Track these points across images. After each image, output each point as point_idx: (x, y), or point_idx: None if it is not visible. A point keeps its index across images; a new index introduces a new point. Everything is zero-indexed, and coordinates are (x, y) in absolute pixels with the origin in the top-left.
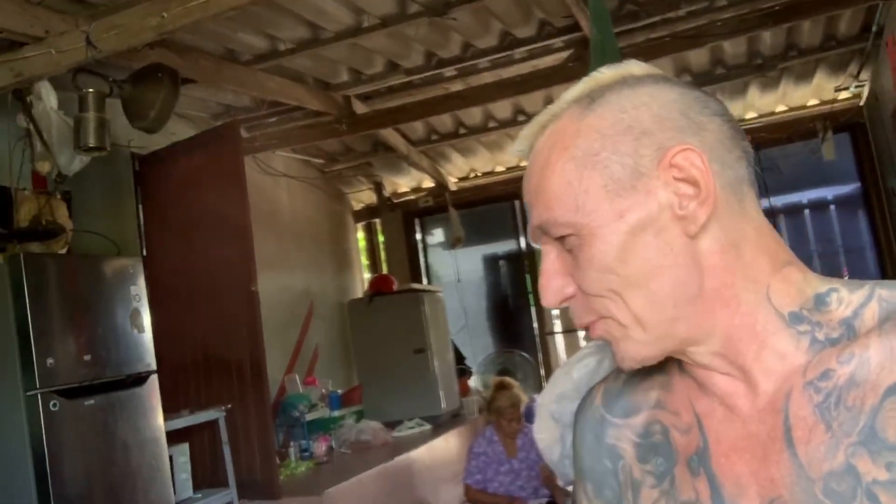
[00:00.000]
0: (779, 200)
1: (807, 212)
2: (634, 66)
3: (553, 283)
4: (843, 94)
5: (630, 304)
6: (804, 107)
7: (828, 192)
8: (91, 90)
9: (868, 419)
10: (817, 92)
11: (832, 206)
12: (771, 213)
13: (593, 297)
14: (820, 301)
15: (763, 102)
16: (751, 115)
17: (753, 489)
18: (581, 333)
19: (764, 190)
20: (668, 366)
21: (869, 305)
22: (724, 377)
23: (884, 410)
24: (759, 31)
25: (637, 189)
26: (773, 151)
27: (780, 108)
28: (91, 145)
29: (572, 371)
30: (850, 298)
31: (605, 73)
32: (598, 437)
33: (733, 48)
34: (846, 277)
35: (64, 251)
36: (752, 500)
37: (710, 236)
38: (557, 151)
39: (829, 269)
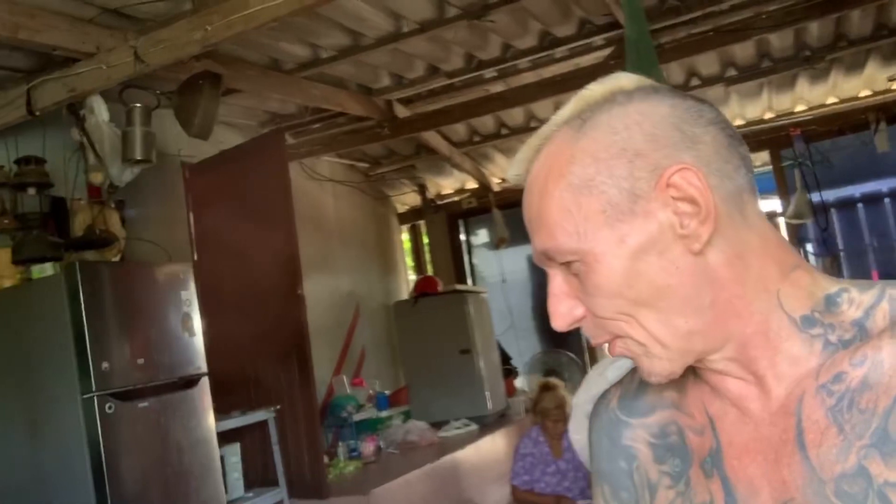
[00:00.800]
0: (831, 195)
1: (860, 205)
2: (624, 79)
3: (562, 307)
4: None
5: (644, 324)
6: (855, 98)
7: (882, 185)
8: (138, 105)
9: (881, 421)
10: (869, 82)
11: (887, 199)
12: (823, 208)
13: (606, 320)
14: (831, 302)
15: (812, 95)
16: (800, 107)
17: (766, 491)
18: None
19: (815, 184)
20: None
21: (880, 306)
22: (737, 381)
23: None
24: (805, 23)
25: (636, 212)
26: (824, 144)
27: (831, 99)
28: (138, 158)
29: (606, 372)
30: (860, 299)
31: (594, 91)
32: (613, 439)
33: (780, 41)
34: None
35: (117, 259)
36: (765, 502)
37: (715, 250)
38: (554, 179)
39: (885, 264)
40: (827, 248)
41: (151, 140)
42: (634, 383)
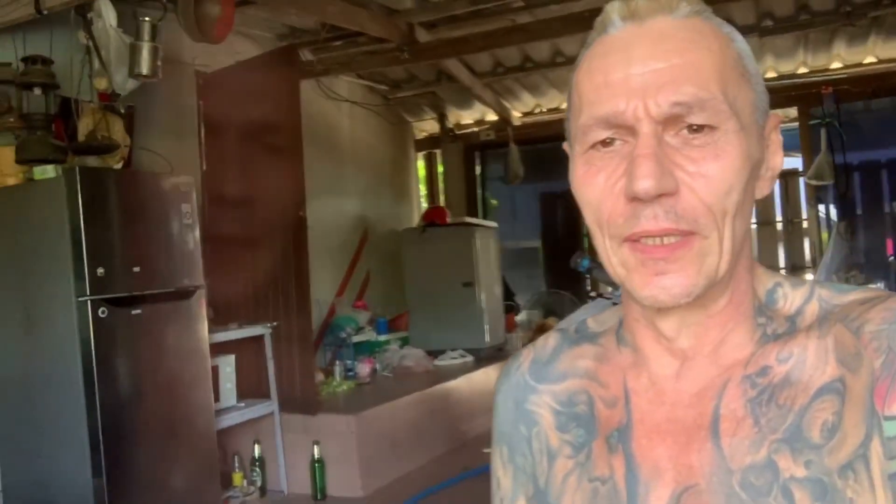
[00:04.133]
0: (855, 157)
1: (884, 171)
2: None
3: (659, 165)
4: None
5: (725, 231)
6: (893, 60)
7: None
8: (147, 19)
9: (795, 418)
10: None
11: None
12: (845, 171)
13: (700, 206)
14: (769, 296)
15: (849, 53)
16: (836, 65)
17: (670, 474)
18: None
19: (840, 146)
20: (603, 338)
21: (810, 304)
22: (666, 356)
23: (812, 410)
24: None
25: (759, 127)
26: (855, 106)
27: (868, 59)
28: (144, 73)
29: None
30: (793, 295)
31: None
32: (517, 402)
33: None
34: None
35: (119, 166)
36: (668, 485)
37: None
38: (717, 38)
39: None
40: (844, 212)
41: (158, 55)
42: (548, 349)
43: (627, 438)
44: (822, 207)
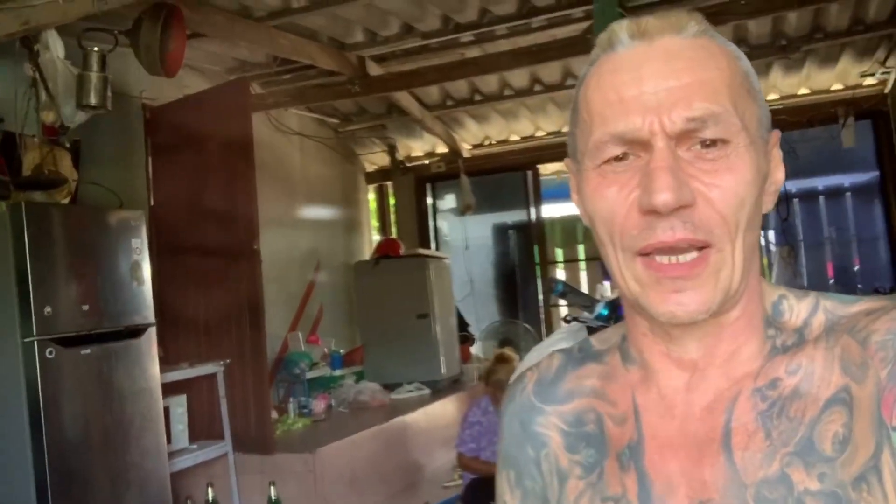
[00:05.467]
0: (794, 185)
1: (822, 198)
2: None
3: (676, 178)
4: (869, 80)
5: (737, 244)
6: (827, 91)
7: (845, 180)
8: (95, 49)
9: (806, 430)
10: (842, 77)
11: (848, 194)
12: (785, 198)
13: (716, 217)
14: (776, 308)
15: (785, 84)
16: (772, 96)
17: (683, 490)
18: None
19: None
20: (608, 357)
21: (816, 316)
22: (675, 369)
23: (822, 423)
24: (784, 12)
25: (764, 142)
26: (792, 135)
27: (803, 90)
28: (92, 104)
29: (559, 344)
30: (798, 307)
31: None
32: (524, 424)
33: (757, 28)
34: (857, 267)
35: (66, 201)
36: (681, 500)
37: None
38: (726, 56)
39: (841, 257)
40: (786, 238)
41: (106, 85)
42: (553, 369)
43: (639, 455)
44: (763, 233)
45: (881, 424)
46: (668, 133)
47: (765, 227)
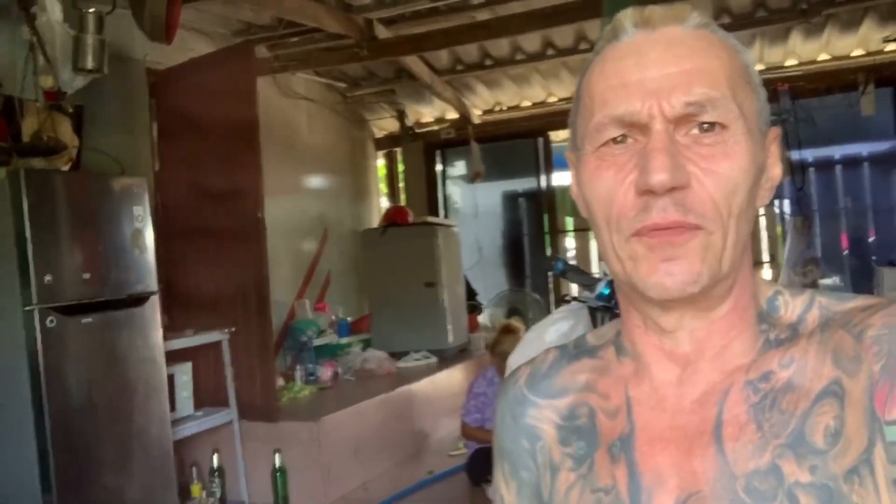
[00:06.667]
0: (810, 154)
1: (838, 167)
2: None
3: (672, 160)
4: (891, 46)
5: (729, 231)
6: (847, 57)
7: (862, 149)
8: (91, 10)
9: (798, 423)
10: (863, 42)
11: (866, 164)
12: (801, 167)
13: (709, 201)
14: (771, 304)
15: (805, 50)
16: (791, 62)
17: (673, 481)
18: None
19: (796, 142)
20: (602, 351)
21: (811, 311)
22: (668, 362)
23: (813, 415)
24: None
25: (762, 135)
26: (810, 102)
27: (823, 56)
28: (88, 68)
29: (544, 335)
30: (794, 303)
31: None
32: (516, 417)
33: None
34: (872, 238)
35: (66, 168)
36: (671, 492)
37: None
38: (724, 47)
39: (856, 228)
40: (800, 208)
41: (103, 49)
42: (546, 363)
43: (630, 447)
44: (777, 202)
45: (874, 418)
46: (666, 116)
47: (780, 197)
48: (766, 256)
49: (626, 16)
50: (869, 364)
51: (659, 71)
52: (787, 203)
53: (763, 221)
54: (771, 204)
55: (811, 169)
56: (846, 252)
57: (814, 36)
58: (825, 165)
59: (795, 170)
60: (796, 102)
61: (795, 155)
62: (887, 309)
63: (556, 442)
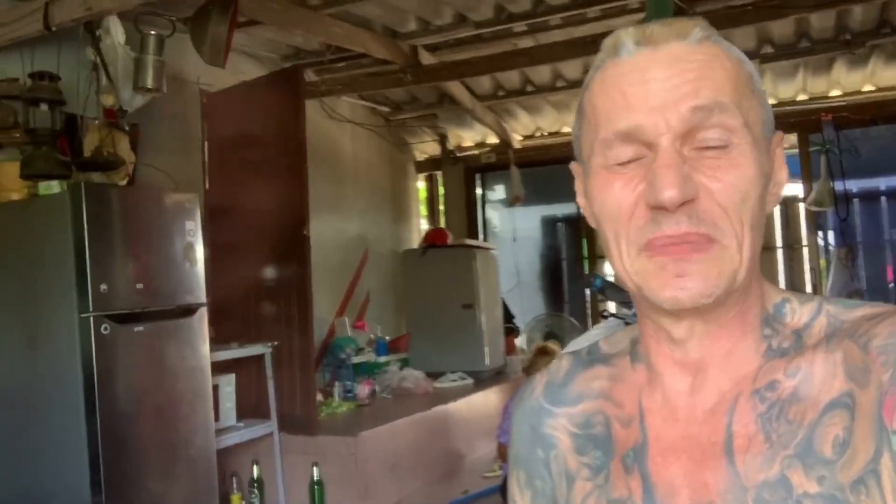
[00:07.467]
0: (854, 185)
1: (883, 199)
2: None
3: (679, 178)
4: None
5: (744, 242)
6: (893, 88)
7: None
8: (152, 32)
9: (806, 433)
10: None
11: None
12: (845, 198)
13: (718, 210)
14: (777, 311)
15: (849, 80)
16: (835, 92)
17: (686, 493)
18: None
19: (840, 172)
20: (616, 359)
21: (818, 319)
22: (679, 372)
23: (821, 426)
24: (848, 5)
25: (768, 143)
26: (854, 133)
27: (867, 87)
28: (148, 87)
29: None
30: (801, 311)
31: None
32: (533, 426)
33: (820, 21)
34: None
35: (124, 182)
36: (683, 503)
37: None
38: (727, 56)
39: None
40: (844, 239)
41: (162, 69)
42: (561, 372)
43: (643, 458)
44: (821, 234)
45: (882, 428)
46: (673, 127)
47: (823, 228)
48: (808, 288)
49: (628, 33)
50: (878, 374)
51: (662, 86)
52: (830, 234)
53: (805, 253)
54: (814, 235)
55: (855, 200)
56: (892, 285)
57: (858, 66)
58: (870, 197)
59: (839, 200)
60: (840, 133)
61: (839, 185)
62: (892, 318)
63: (572, 451)
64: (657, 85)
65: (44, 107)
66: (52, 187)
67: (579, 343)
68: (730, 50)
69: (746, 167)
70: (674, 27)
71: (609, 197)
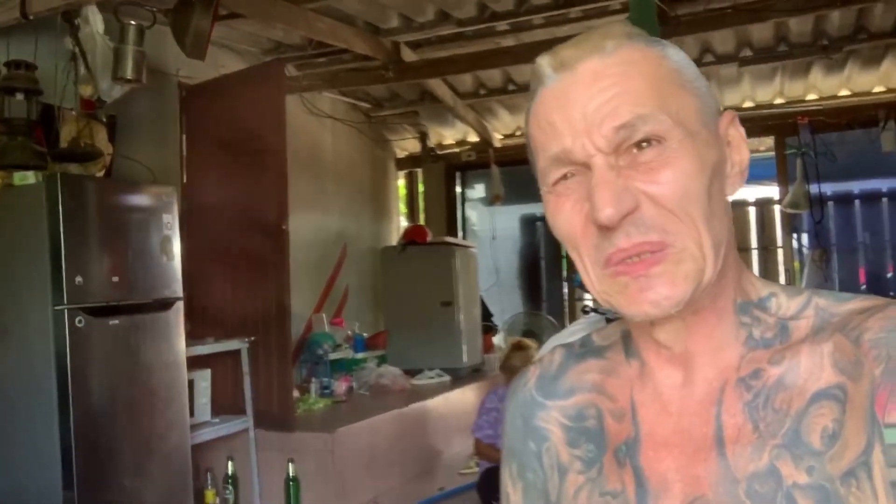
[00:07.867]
0: (829, 188)
1: (857, 202)
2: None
3: (614, 195)
4: None
5: (700, 230)
6: (868, 93)
7: (882, 185)
8: (132, 22)
9: (793, 422)
10: (884, 79)
11: (885, 199)
12: (819, 201)
13: (664, 213)
14: (761, 303)
15: (825, 85)
16: (811, 96)
17: (678, 486)
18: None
19: (816, 175)
20: (609, 352)
21: (805, 313)
22: (668, 367)
23: (809, 416)
24: (827, 11)
25: (711, 130)
26: (830, 136)
27: (843, 92)
28: (127, 77)
29: (576, 334)
30: (788, 304)
31: (630, 25)
32: (525, 418)
33: (799, 26)
34: (891, 274)
35: (101, 174)
36: (676, 497)
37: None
38: (647, 59)
39: (875, 263)
40: (818, 241)
41: (143, 60)
42: (554, 364)
43: (635, 452)
44: (796, 236)
45: (874, 421)
46: (600, 149)
47: (798, 230)
48: None
49: (546, 61)
50: (870, 368)
51: (583, 110)
52: (805, 236)
53: (780, 254)
54: (789, 236)
55: (830, 203)
56: (864, 287)
57: (835, 71)
58: (844, 200)
59: (814, 203)
60: (816, 136)
61: (814, 188)
62: (884, 311)
63: (564, 443)
64: (578, 110)
65: (20, 96)
66: (28, 178)
67: (561, 338)
68: (651, 46)
69: (684, 163)
70: (588, 44)
71: (560, 219)
